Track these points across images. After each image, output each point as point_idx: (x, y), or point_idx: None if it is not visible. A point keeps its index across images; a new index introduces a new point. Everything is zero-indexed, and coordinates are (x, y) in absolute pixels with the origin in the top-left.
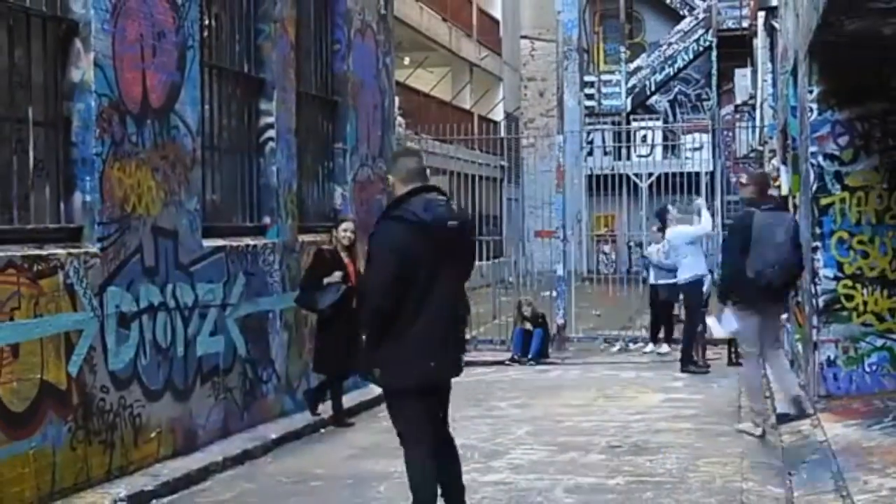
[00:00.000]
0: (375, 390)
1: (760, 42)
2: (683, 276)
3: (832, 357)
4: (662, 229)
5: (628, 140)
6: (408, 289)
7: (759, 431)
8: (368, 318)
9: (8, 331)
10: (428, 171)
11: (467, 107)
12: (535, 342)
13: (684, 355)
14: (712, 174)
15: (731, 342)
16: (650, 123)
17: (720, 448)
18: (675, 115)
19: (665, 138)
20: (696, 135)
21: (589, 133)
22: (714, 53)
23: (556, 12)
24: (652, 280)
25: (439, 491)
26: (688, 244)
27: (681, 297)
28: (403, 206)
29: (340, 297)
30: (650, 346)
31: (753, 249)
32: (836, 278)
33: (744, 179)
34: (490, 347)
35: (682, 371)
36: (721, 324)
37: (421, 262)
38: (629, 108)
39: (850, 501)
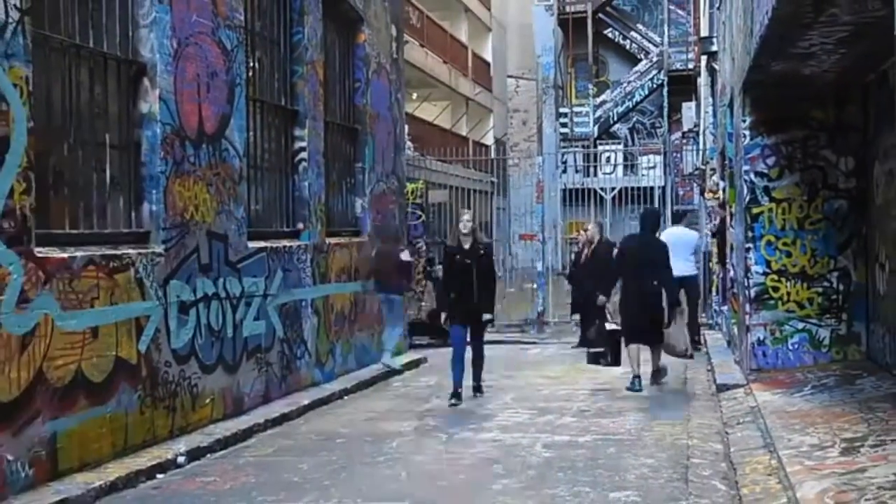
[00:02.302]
0: (390, 364)
1: (703, 80)
2: (690, 272)
3: (762, 338)
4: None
5: (595, 160)
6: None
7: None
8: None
9: (89, 316)
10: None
11: (464, 133)
12: None
13: (692, 339)
14: (664, 188)
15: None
16: (613, 147)
17: (670, 412)
18: (633, 139)
19: (625, 159)
20: (651, 156)
21: (563, 154)
22: (665, 90)
23: (536, 56)
24: None
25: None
26: (690, 247)
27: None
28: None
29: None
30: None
31: None
32: (765, 273)
33: None
34: None
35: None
36: None
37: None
38: (596, 134)
39: (777, 455)
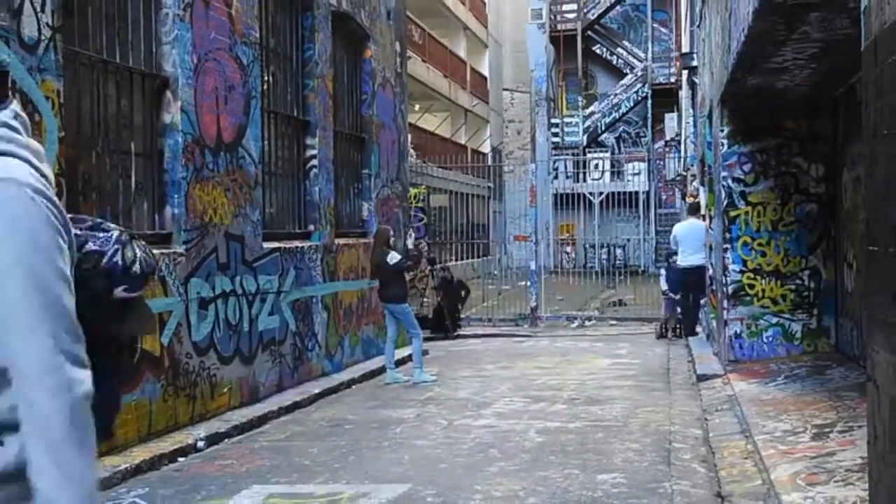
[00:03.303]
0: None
1: (684, 93)
2: (700, 261)
3: (738, 331)
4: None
5: (584, 167)
6: None
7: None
8: None
9: None
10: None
11: (463, 142)
12: None
13: (688, 326)
14: (648, 193)
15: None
16: (601, 155)
17: (654, 400)
18: (619, 148)
19: (612, 166)
20: (636, 163)
21: (554, 162)
22: (649, 102)
23: (530, 71)
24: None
25: None
26: (699, 238)
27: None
28: None
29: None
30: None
31: None
32: (742, 272)
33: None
34: (480, 324)
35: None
36: None
37: None
38: (585, 143)
39: (752, 440)
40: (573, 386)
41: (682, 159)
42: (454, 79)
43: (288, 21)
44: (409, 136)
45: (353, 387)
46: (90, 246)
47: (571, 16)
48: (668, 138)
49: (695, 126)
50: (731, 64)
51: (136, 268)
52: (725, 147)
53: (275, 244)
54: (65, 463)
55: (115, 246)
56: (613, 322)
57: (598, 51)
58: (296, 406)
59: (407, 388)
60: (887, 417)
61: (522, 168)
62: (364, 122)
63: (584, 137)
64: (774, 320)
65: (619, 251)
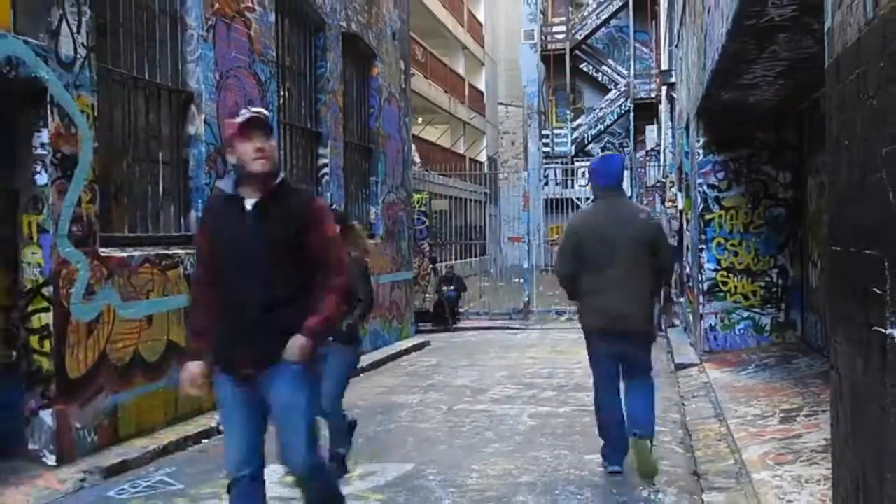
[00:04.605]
0: (398, 347)
1: (664, 107)
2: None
3: (713, 324)
4: None
5: (572, 175)
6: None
7: None
8: None
9: (145, 306)
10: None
11: (461, 152)
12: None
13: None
14: (630, 198)
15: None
16: (587, 163)
17: None
18: None
19: None
20: None
21: (545, 170)
22: (631, 115)
23: (522, 87)
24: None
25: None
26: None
27: None
28: None
29: None
30: None
31: None
32: (716, 270)
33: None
34: (477, 317)
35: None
36: None
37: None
38: (573, 153)
39: (726, 424)
40: (562, 374)
41: (661, 167)
42: (454, 94)
43: (302, 41)
44: (413, 146)
45: (362, 375)
46: None
47: (561, 36)
48: (648, 148)
49: (673, 137)
50: (706, 80)
51: None
52: (701, 156)
53: None
54: None
55: None
56: None
57: (584, 68)
58: None
59: (410, 377)
60: (849, 403)
61: (516, 175)
62: (371, 134)
63: (573, 147)
64: (746, 314)
65: None
